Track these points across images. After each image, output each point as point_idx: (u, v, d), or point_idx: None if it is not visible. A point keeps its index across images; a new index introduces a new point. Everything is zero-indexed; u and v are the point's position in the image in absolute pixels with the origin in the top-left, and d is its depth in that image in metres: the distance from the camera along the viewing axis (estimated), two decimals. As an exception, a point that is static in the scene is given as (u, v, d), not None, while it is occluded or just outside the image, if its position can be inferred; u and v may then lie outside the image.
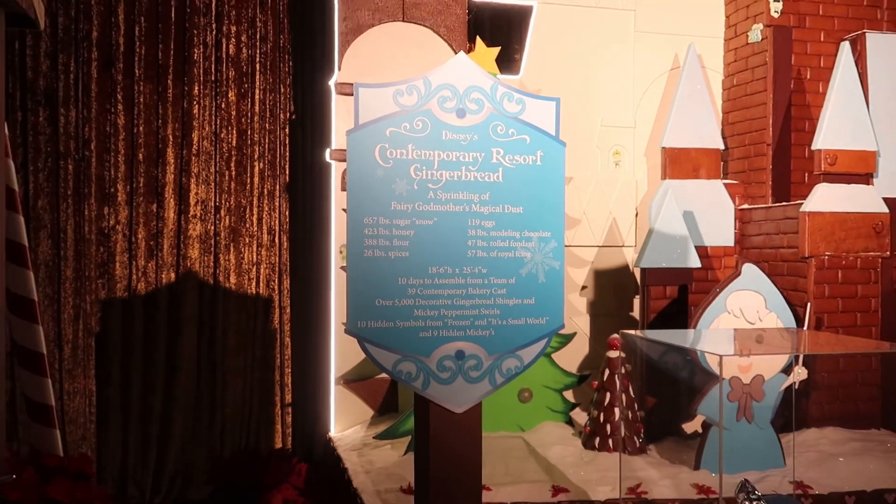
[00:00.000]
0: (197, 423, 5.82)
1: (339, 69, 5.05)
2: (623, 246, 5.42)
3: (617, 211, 5.41)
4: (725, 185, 5.26)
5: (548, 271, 2.62)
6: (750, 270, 4.14)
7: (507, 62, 5.43)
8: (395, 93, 2.49)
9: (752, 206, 5.17)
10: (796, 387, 4.21)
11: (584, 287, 5.36)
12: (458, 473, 2.51)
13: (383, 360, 2.45)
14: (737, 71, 5.47)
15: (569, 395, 4.82)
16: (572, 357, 5.12)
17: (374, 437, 4.56)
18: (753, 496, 2.44)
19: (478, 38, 4.62)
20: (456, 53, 4.42)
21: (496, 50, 4.59)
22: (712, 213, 5.20)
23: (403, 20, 5.11)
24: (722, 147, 5.27)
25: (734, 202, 5.25)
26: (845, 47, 4.71)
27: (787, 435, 4.55)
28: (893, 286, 4.71)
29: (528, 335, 2.59)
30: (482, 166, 2.56)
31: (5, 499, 2.86)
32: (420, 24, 5.11)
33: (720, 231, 5.20)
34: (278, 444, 5.89)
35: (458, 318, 2.52)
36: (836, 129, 4.63)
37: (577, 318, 5.32)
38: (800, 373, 4.19)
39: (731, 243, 5.21)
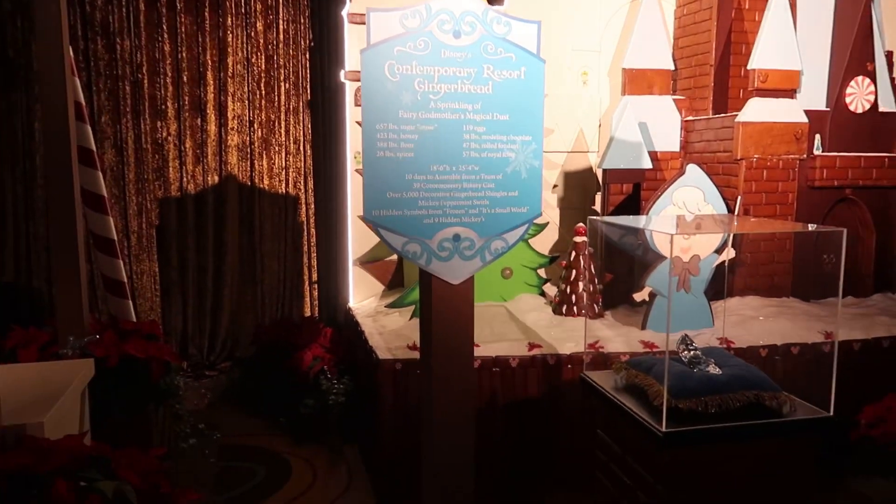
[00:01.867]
0: (241, 296, 5.89)
1: (350, 0, 4.82)
2: (588, 152, 5.34)
3: (584, 122, 5.31)
4: (674, 100, 5.15)
5: (529, 169, 2.58)
6: (692, 170, 4.10)
7: (493, -6, 5.20)
8: (401, 16, 2.37)
9: (696, 118, 5.07)
10: (727, 263, 4.25)
11: (555, 186, 5.32)
12: (456, 330, 2.54)
13: (394, 242, 2.44)
14: (687, 2, 5.25)
15: (542, 272, 4.86)
16: (545, 242, 5.13)
17: (385, 307, 4.61)
18: (691, 347, 2.49)
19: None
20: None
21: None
22: (662, 123, 5.11)
23: (405, -43, 4.84)
24: (672, 68, 5.13)
25: (681, 114, 5.14)
26: (780, -20, 4.51)
27: (717, 302, 4.64)
28: (807, 183, 4.68)
29: (513, 221, 2.57)
30: (475, 80, 2.47)
31: (92, 354, 2.92)
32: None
33: (668, 139, 5.12)
34: (307, 314, 5.98)
35: (455, 207, 2.49)
36: (768, 51, 4.49)
37: (550, 211, 5.30)
38: (729, 252, 4.22)
39: (678, 149, 5.14)
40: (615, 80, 5.28)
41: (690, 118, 5.12)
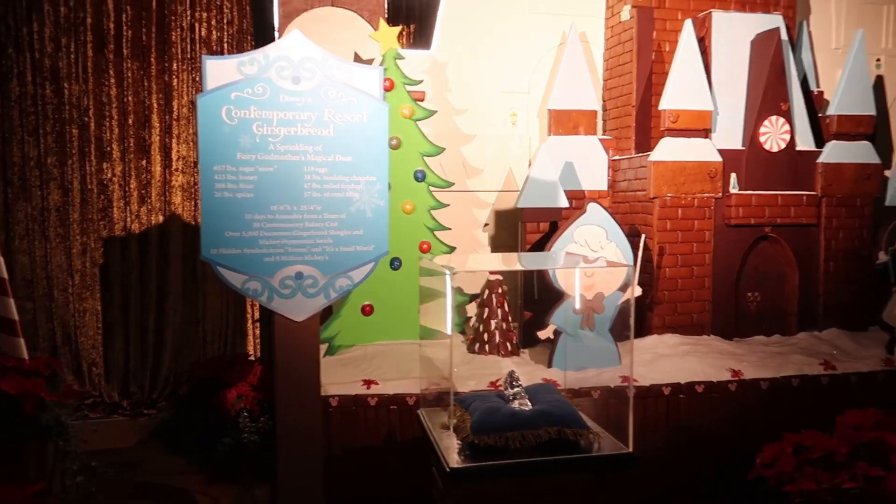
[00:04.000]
0: (184, 335, 5.94)
1: (279, 46, 4.98)
2: (517, 191, 5.37)
3: (513, 162, 5.39)
4: (601, 139, 5.21)
5: (374, 208, 2.64)
6: (594, 209, 4.14)
7: (422, 39, 5.36)
8: (238, 63, 2.48)
9: (620, 157, 5.13)
10: (632, 303, 4.25)
11: (486, 224, 5.38)
12: (301, 367, 2.58)
13: (233, 280, 2.50)
14: (613, 45, 5.37)
15: (469, 309, 4.88)
16: (476, 280, 5.16)
17: None
18: (516, 384, 2.50)
19: (381, 20, 4.54)
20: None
21: (397, 29, 4.52)
22: (589, 163, 5.16)
23: (332, 5, 5.02)
24: (598, 108, 5.20)
25: (608, 154, 5.21)
26: (688, 24, 4.60)
27: (634, 340, 4.62)
28: (723, 221, 4.70)
29: (358, 259, 2.63)
30: (316, 123, 2.56)
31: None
32: (346, 9, 5.02)
33: (596, 178, 5.17)
34: (251, 352, 6.01)
35: (297, 246, 2.56)
36: (678, 92, 4.56)
37: (481, 249, 5.36)
38: (635, 290, 4.22)
39: (605, 188, 5.19)
40: (545, 120, 5.37)
41: (616, 157, 5.18)
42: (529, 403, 2.46)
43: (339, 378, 3.92)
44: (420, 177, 4.54)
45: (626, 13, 5.13)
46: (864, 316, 4.81)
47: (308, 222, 2.56)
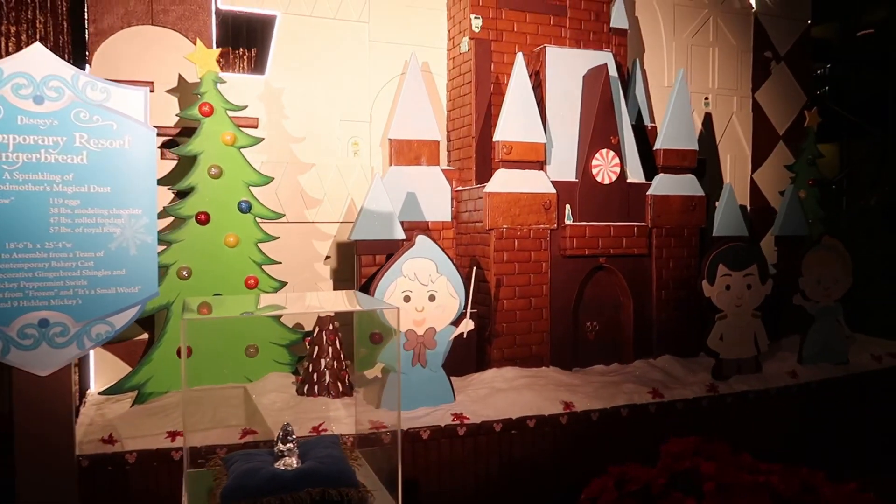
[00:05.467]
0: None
1: (91, 67, 4.56)
2: (359, 222, 5.21)
3: (355, 192, 5.20)
4: (444, 170, 5.14)
5: (140, 245, 2.35)
6: (423, 241, 4.01)
7: (262, 63, 5.10)
8: (-38, 79, 2.14)
9: (462, 188, 5.07)
10: (465, 336, 4.14)
11: (327, 257, 5.14)
12: (49, 429, 2.22)
13: (-45, 331, 2.12)
14: (454, 76, 5.34)
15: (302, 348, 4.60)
16: (310, 316, 4.90)
17: (98, 393, 4.18)
18: (290, 438, 2.27)
19: (198, 41, 4.24)
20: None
21: (216, 51, 4.24)
22: (433, 194, 5.08)
23: (152, 24, 4.66)
24: (439, 139, 5.13)
25: (451, 185, 5.14)
26: (520, 58, 4.63)
27: (470, 376, 4.51)
28: (560, 252, 4.72)
29: (120, 303, 2.32)
30: (64, 149, 2.25)
31: None
32: (169, 28, 4.68)
33: (439, 209, 5.09)
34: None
35: (40, 289, 2.22)
36: (511, 124, 4.56)
37: (323, 284, 5.11)
38: (467, 324, 4.12)
39: (449, 219, 5.11)
40: (387, 150, 5.23)
41: (459, 188, 5.12)
42: (297, 462, 2.22)
43: (143, 430, 3.52)
44: (245, 207, 4.24)
45: (464, 45, 5.12)
46: (694, 342, 4.95)
47: (55, 262, 2.23)
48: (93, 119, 2.28)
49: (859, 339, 5.59)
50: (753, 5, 6.63)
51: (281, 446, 2.21)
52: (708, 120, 6.45)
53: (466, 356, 4.49)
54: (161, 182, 4.33)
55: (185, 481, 2.35)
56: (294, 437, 2.27)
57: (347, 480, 2.14)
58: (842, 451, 4.75)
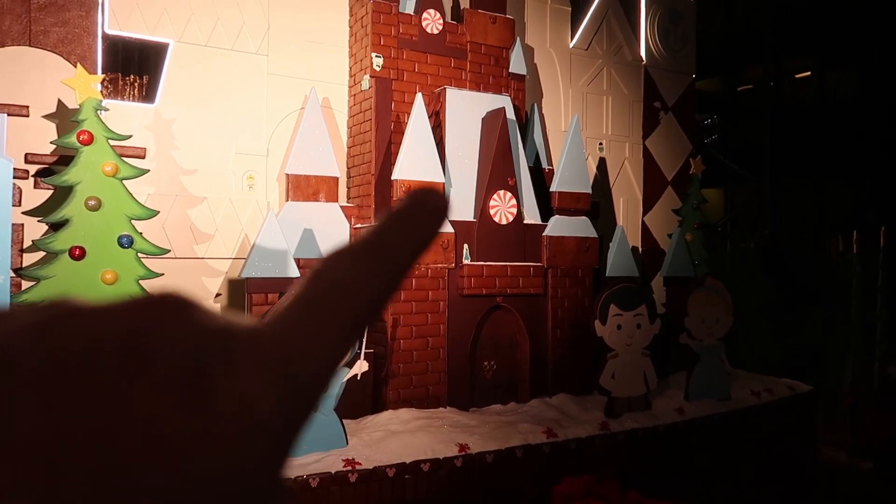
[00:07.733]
0: None
1: None
2: (253, 259, 5.03)
3: (249, 228, 5.02)
4: (343, 207, 5.05)
5: (-12, 285, 2.14)
6: (316, 280, 3.91)
7: (148, 92, 4.89)
8: None
9: (361, 226, 5.00)
10: (359, 377, 4.04)
11: (218, 294, 4.91)
12: None
13: None
14: (355, 113, 5.32)
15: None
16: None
17: None
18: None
19: (78, 65, 4.02)
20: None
21: (98, 77, 4.03)
22: (331, 230, 4.95)
23: (30, 45, 4.38)
24: (338, 175, 5.05)
25: (350, 222, 5.06)
26: (419, 98, 4.68)
27: (365, 418, 4.40)
28: (457, 291, 4.72)
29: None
30: None
31: None
32: (48, 51, 4.41)
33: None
34: None
35: None
36: (409, 164, 4.57)
37: (212, 322, 4.86)
38: (361, 366, 4.03)
39: (347, 256, 5.01)
40: (284, 185, 5.11)
41: (358, 226, 5.04)
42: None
43: None
44: (126, 242, 3.99)
45: (365, 83, 5.11)
46: (588, 380, 5.05)
47: None
48: (-63, 146, 2.08)
49: (740, 375, 5.88)
50: (644, 58, 7.02)
51: None
52: (602, 164, 6.72)
53: (361, 398, 4.37)
54: (32, 213, 4.03)
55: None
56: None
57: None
58: (724, 485, 4.94)
